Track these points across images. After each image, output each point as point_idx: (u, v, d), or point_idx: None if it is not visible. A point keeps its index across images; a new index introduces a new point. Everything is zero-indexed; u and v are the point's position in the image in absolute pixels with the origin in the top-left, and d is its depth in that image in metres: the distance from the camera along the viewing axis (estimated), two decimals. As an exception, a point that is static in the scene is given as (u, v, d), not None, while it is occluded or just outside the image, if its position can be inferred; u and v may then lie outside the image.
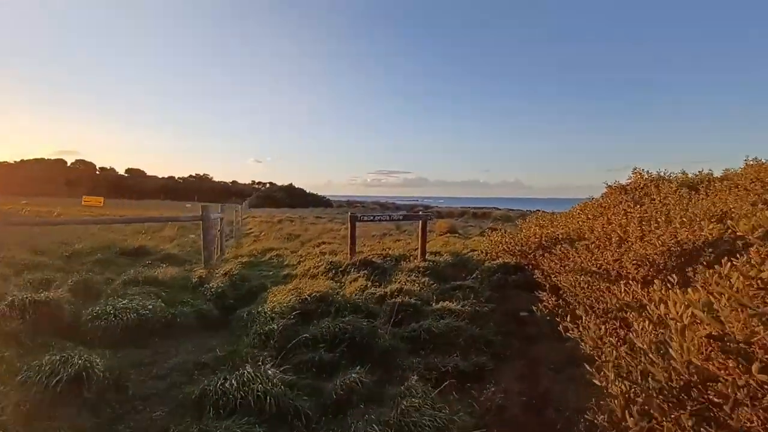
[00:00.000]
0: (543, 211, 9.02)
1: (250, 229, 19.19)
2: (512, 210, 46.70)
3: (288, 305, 4.46)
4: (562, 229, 7.24)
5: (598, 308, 3.73)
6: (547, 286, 5.22)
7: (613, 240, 4.59)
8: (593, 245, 4.95)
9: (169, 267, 6.56)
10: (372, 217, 7.38)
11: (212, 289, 5.32)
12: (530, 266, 7.35)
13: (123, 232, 12.26)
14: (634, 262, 3.89)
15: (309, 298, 4.79)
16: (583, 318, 3.05)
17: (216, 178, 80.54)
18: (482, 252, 8.78)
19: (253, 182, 79.12)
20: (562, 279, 4.62)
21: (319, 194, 61.52)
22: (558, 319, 4.68)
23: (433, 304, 5.06)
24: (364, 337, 3.95)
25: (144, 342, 3.90)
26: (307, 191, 60.41)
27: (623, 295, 3.09)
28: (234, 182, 77.99)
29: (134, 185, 65.32)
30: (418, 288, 5.82)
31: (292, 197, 46.30)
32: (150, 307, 4.34)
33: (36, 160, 70.70)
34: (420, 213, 7.60)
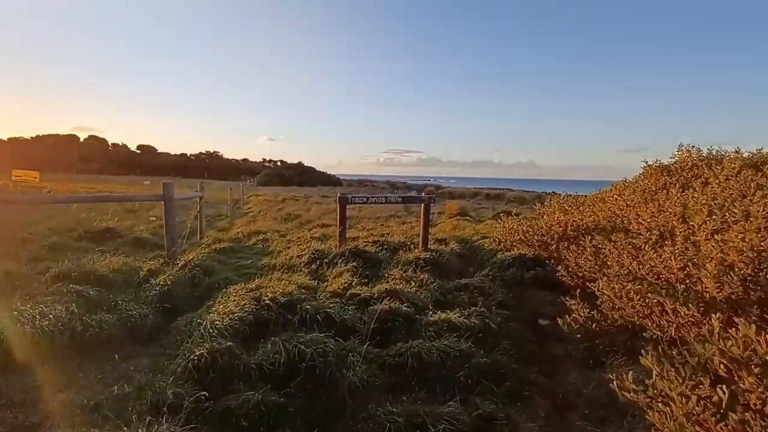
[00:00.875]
0: (567, 194, 7.72)
1: (250, 208, 18.28)
2: (527, 191, 44.91)
3: (236, 316, 3.41)
4: (591, 216, 6.02)
5: (663, 339, 2.59)
6: (578, 291, 4.06)
7: (677, 234, 3.38)
8: (644, 241, 3.75)
9: (120, 256, 5.59)
10: (365, 199, 6.26)
11: (157, 287, 4.30)
12: (552, 260, 6.17)
13: (108, 210, 11.40)
14: (714, 274, 2.69)
15: (271, 304, 3.74)
16: (654, 376, 1.90)
17: (228, 156, 80.00)
18: (495, 240, 7.62)
19: (264, 160, 78.36)
20: (603, 286, 3.45)
21: (330, 173, 60.43)
22: (600, 346, 3.56)
23: (430, 313, 3.96)
24: (329, 366, 2.89)
25: (30, 367, 2.91)
26: (318, 170, 59.38)
27: (717, 336, 1.92)
28: (245, 160, 77.33)
29: (145, 162, 65.18)
30: (414, 288, 4.73)
31: (301, 175, 45.32)
32: (62, 314, 3.34)
33: (50, 135, 70.97)
34: (423, 195, 6.43)
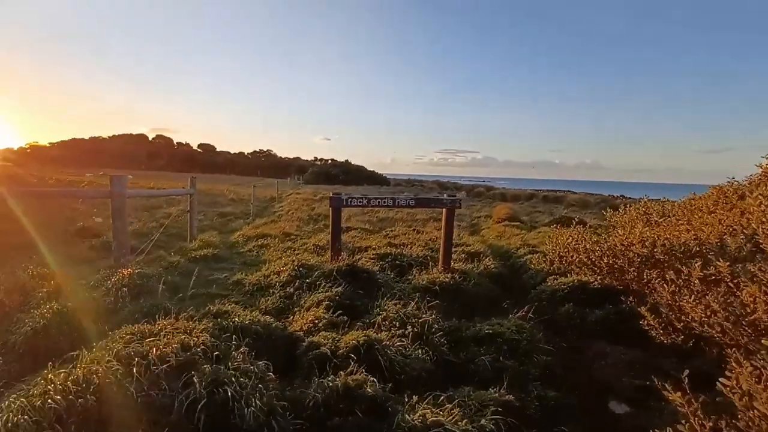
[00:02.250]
0: (646, 199, 5.65)
1: (282, 206, 17.37)
2: (590, 194, 40.56)
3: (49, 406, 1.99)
4: (698, 230, 4.02)
5: None
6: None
7: None
8: None
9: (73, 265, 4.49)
10: (364, 201, 4.70)
11: (31, 322, 3.03)
12: (631, 294, 4.24)
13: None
14: None
15: (157, 375, 2.30)
16: None
17: (281, 155, 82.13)
18: (547, 259, 5.72)
19: (315, 159, 79.35)
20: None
21: (378, 172, 59.44)
22: None
23: (417, 407, 2.31)
24: None
25: None
26: (368, 168, 58.67)
27: None
28: (297, 158, 78.81)
29: (205, 159, 68.41)
30: (408, 339, 3.10)
31: (347, 174, 44.68)
32: None
33: (123, 135, 76.97)
34: (444, 197, 4.73)
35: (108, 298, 3.69)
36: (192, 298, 4.22)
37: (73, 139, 78.51)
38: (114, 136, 78.48)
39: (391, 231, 9.64)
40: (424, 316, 3.45)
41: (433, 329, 3.29)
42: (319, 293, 4.10)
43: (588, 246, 4.79)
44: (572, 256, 4.95)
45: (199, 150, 75.38)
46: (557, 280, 4.89)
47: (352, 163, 53.93)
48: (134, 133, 75.45)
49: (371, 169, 59.29)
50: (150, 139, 75.87)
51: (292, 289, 4.37)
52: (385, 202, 4.74)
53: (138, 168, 61.20)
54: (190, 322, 2.89)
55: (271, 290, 4.42)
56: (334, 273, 4.45)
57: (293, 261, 4.99)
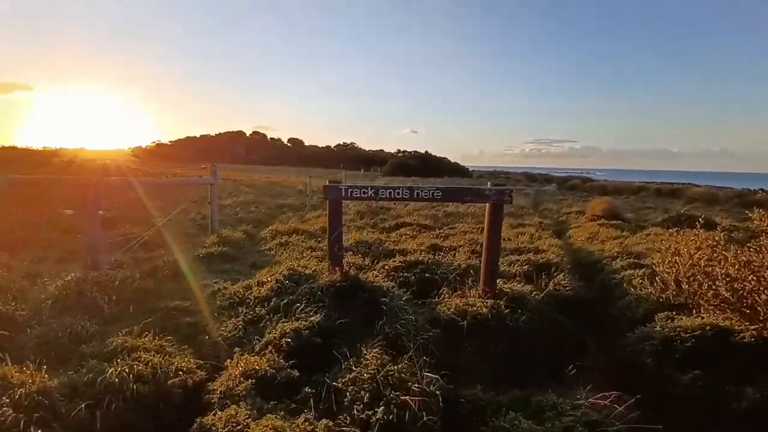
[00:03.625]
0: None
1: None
2: (719, 187, 33.23)
3: None
4: None
5: None
6: None
7: None
8: None
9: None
10: (370, 192, 3.32)
11: None
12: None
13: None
14: None
15: None
16: None
17: (366, 147, 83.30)
18: (658, 281, 3.77)
19: (398, 151, 78.93)
20: None
21: (462, 164, 56.70)
22: None
23: None
24: None
25: None
26: (451, 160, 56.25)
27: None
28: (380, 150, 79.17)
29: (294, 153, 72.18)
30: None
31: (426, 165, 43.05)
32: None
33: (226, 132, 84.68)
34: (487, 188, 3.16)
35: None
36: (145, 312, 3.30)
37: (188, 137, 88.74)
38: (219, 133, 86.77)
39: (451, 228, 8.10)
40: (415, 386, 2.03)
41: (423, 416, 1.86)
42: (288, 322, 2.89)
43: (731, 270, 2.86)
44: (702, 284, 3.05)
45: (288, 144, 79.85)
46: (674, 321, 3.03)
47: (435, 154, 52.09)
48: (234, 130, 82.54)
49: (454, 161, 56.78)
50: (248, 135, 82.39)
51: (264, 310, 3.22)
52: (399, 193, 3.33)
53: (236, 162, 66.65)
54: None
55: (240, 309, 3.33)
56: (320, 292, 3.20)
57: (286, 268, 3.85)
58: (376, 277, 3.74)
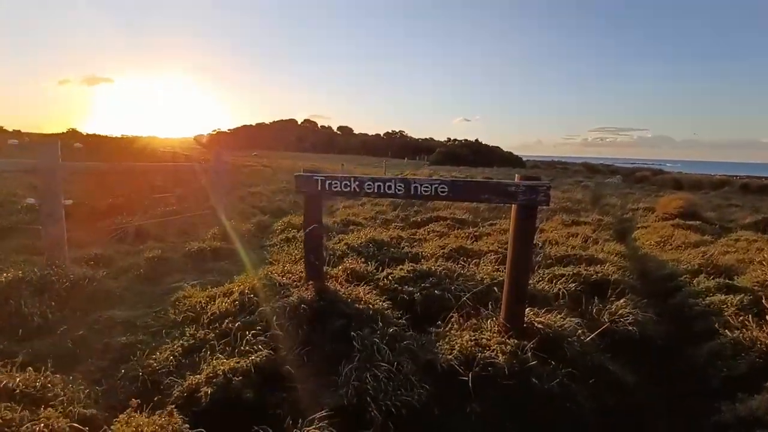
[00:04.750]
0: None
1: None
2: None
3: None
4: None
5: None
6: None
7: None
8: None
9: None
10: (353, 186, 2.45)
11: None
12: None
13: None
14: None
15: None
16: None
17: (416, 136, 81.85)
18: (766, 315, 2.60)
19: (448, 139, 76.75)
20: None
21: (515, 154, 53.70)
22: None
23: None
24: None
25: None
26: (504, 149, 53.45)
27: None
28: (429, 139, 77.36)
29: (342, 140, 72.52)
30: None
31: (476, 155, 40.96)
32: None
33: (279, 121, 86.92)
34: (511, 184, 2.19)
35: None
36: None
37: (244, 125, 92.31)
38: (273, 122, 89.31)
39: (492, 225, 7.03)
40: None
41: None
42: (227, 359, 2.14)
43: None
44: None
45: (338, 132, 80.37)
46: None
47: (486, 144, 49.52)
48: (287, 118, 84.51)
49: (507, 150, 53.84)
50: (299, 123, 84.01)
51: (213, 334, 2.50)
52: (390, 188, 2.43)
53: (287, 149, 68.17)
54: None
55: (189, 328, 2.64)
56: (274, 315, 2.42)
57: (259, 277, 3.11)
58: (368, 294, 2.89)
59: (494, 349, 2.20)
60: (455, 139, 66.87)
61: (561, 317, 2.62)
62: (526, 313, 2.50)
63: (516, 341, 2.27)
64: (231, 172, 15.76)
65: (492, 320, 2.56)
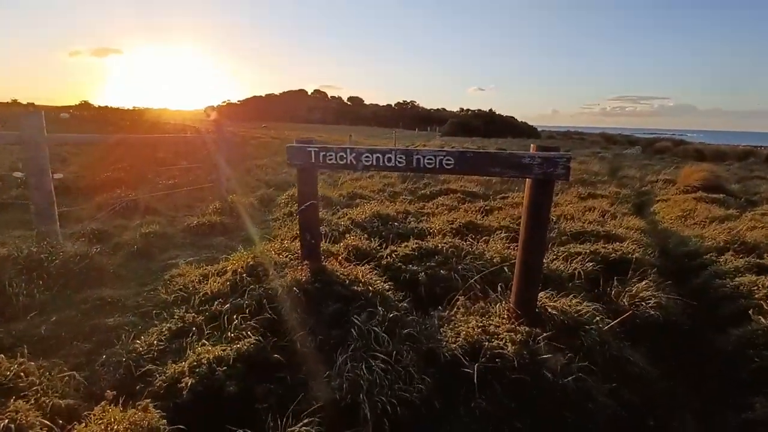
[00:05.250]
0: None
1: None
2: None
3: None
4: None
5: None
6: None
7: None
8: None
9: None
10: (350, 157, 2.22)
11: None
12: None
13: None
14: None
15: None
16: None
17: (428, 106, 79.99)
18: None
19: (461, 110, 74.90)
20: None
21: (530, 124, 52.12)
22: None
23: None
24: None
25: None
26: (519, 120, 51.86)
27: None
28: (441, 109, 75.59)
29: (352, 111, 71.32)
30: None
31: (489, 125, 39.76)
32: None
33: (289, 92, 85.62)
34: (524, 155, 1.93)
35: None
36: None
37: (254, 96, 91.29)
38: (283, 92, 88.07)
39: (504, 198, 6.77)
40: None
41: None
42: (213, 345, 2.00)
43: None
44: None
45: (348, 103, 78.93)
46: None
47: (500, 114, 48.02)
48: (296, 89, 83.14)
49: (522, 120, 52.23)
50: (309, 94, 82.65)
51: (201, 317, 2.35)
52: (391, 159, 2.19)
53: (296, 121, 67.41)
54: None
55: (180, 309, 2.50)
56: (265, 298, 2.25)
57: (253, 255, 2.94)
58: (368, 274, 2.70)
59: (503, 338, 2.01)
60: (468, 110, 65.15)
61: (577, 301, 2.40)
62: (539, 297, 2.29)
63: (527, 329, 2.07)
64: (238, 144, 15.59)
65: (501, 305, 2.36)
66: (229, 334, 2.12)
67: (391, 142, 21.83)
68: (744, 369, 2.26)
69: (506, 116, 48.91)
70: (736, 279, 3.29)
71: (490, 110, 48.05)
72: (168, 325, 2.34)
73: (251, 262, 2.82)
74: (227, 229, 4.70)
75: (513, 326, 2.10)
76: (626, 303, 2.73)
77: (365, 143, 23.38)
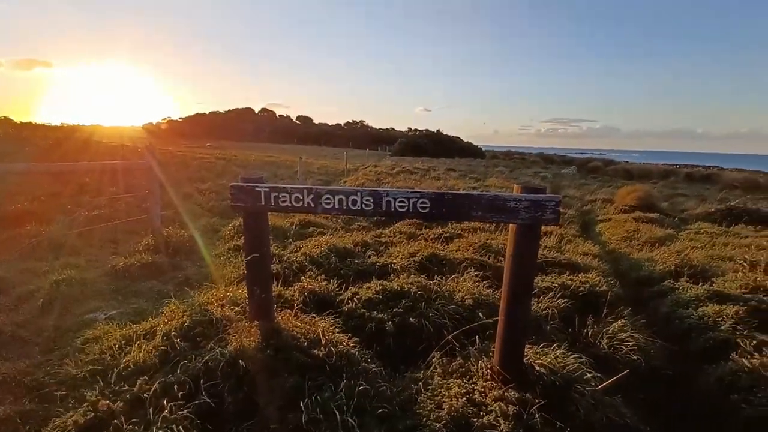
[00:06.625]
0: None
1: (346, 182, 15.22)
2: (757, 171, 30.70)
3: None
4: None
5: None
6: None
7: None
8: None
9: None
10: (302, 199, 1.90)
11: None
12: None
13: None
14: None
15: None
16: None
17: (377, 126, 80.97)
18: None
19: (409, 129, 76.72)
20: None
21: (475, 144, 54.25)
22: None
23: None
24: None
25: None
26: (464, 140, 53.74)
27: None
28: (390, 129, 76.83)
29: (302, 131, 70.44)
30: None
31: (437, 145, 40.90)
32: None
33: (235, 109, 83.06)
34: (514, 201, 1.69)
35: None
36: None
37: (197, 114, 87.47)
38: (229, 110, 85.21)
39: (458, 223, 6.64)
40: None
41: None
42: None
43: None
44: None
45: (297, 122, 77.94)
46: None
47: (446, 134, 49.59)
48: (243, 107, 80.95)
49: (467, 140, 54.22)
50: (256, 112, 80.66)
51: (122, 403, 1.85)
52: (356, 203, 1.87)
53: (244, 139, 65.46)
54: None
55: (88, 395, 1.97)
56: (203, 375, 1.82)
57: (190, 311, 2.47)
58: (330, 329, 2.33)
59: (492, 410, 1.73)
60: (417, 130, 66.90)
61: (562, 352, 2.20)
62: (523, 352, 2.05)
63: (517, 394, 1.81)
64: (178, 165, 14.50)
65: (483, 362, 2.09)
66: (154, 429, 1.65)
67: (342, 161, 21.56)
68: (734, 419, 2.14)
69: (453, 136, 50.58)
70: (699, 309, 3.30)
71: (438, 130, 49.51)
72: (74, 417, 1.81)
73: (187, 322, 2.35)
74: (161, 270, 4.09)
75: (501, 392, 1.84)
76: (605, 346, 2.58)
77: (316, 163, 22.89)
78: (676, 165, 36.30)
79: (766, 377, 2.23)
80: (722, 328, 2.96)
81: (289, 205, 1.98)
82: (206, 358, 1.98)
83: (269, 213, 2.29)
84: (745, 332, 2.79)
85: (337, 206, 1.92)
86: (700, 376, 2.52)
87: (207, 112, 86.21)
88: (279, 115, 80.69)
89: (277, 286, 3.24)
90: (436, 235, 5.49)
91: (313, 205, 1.95)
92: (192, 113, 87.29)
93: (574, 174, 25.75)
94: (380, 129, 78.83)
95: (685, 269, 4.50)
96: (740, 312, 3.06)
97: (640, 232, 7.03)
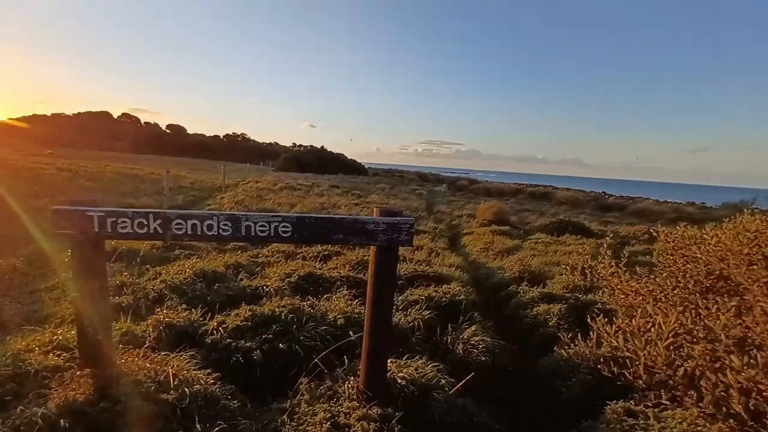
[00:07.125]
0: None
1: (224, 198, 14.19)
2: (580, 191, 38.30)
3: None
4: None
5: None
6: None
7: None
8: None
9: None
10: (148, 225, 1.74)
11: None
12: None
13: None
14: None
15: None
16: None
17: (260, 139, 77.60)
18: (594, 335, 2.84)
19: (294, 144, 75.53)
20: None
21: (358, 161, 55.96)
22: None
23: None
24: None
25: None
26: (349, 157, 54.88)
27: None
28: (274, 143, 74.55)
29: (174, 141, 63.72)
30: None
31: (320, 161, 41.10)
32: None
33: (86, 112, 71.19)
34: (373, 224, 1.78)
35: None
36: None
37: (35, 115, 72.42)
38: (77, 113, 72.59)
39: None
40: None
41: None
42: None
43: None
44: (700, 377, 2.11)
45: (168, 131, 70.20)
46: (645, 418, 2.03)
47: (331, 150, 50.10)
48: (94, 110, 69.86)
49: (351, 158, 55.59)
50: (115, 117, 70.33)
51: None
52: (212, 228, 1.76)
53: (100, 149, 56.59)
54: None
55: None
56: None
57: (1, 362, 2.00)
58: (185, 367, 2.12)
59: (355, 431, 1.77)
60: (301, 145, 66.21)
61: (422, 362, 2.38)
62: (385, 371, 2.15)
63: (380, 410, 1.89)
64: (3, 176, 11.76)
65: (350, 383, 2.13)
66: None
67: (220, 175, 20.10)
68: (556, 401, 2.57)
69: (337, 153, 51.36)
70: (534, 309, 3.90)
71: (322, 147, 49.70)
72: None
73: (3, 372, 1.89)
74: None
75: (365, 410, 1.89)
76: (461, 351, 2.88)
77: (189, 177, 20.85)
78: (524, 184, 42.96)
79: (578, 364, 2.73)
80: (550, 324, 3.57)
81: (131, 231, 1.76)
82: (20, 418, 1.61)
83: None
84: (565, 326, 3.40)
85: (190, 232, 1.78)
86: (535, 369, 2.97)
87: (49, 114, 72.13)
88: (145, 122, 71.63)
89: (126, 321, 2.84)
90: (315, 253, 5.47)
91: (161, 231, 1.77)
92: (28, 114, 72.07)
93: (445, 191, 28.42)
94: (264, 143, 75.82)
95: (526, 274, 5.29)
96: (562, 309, 3.72)
97: (495, 243, 8.05)
